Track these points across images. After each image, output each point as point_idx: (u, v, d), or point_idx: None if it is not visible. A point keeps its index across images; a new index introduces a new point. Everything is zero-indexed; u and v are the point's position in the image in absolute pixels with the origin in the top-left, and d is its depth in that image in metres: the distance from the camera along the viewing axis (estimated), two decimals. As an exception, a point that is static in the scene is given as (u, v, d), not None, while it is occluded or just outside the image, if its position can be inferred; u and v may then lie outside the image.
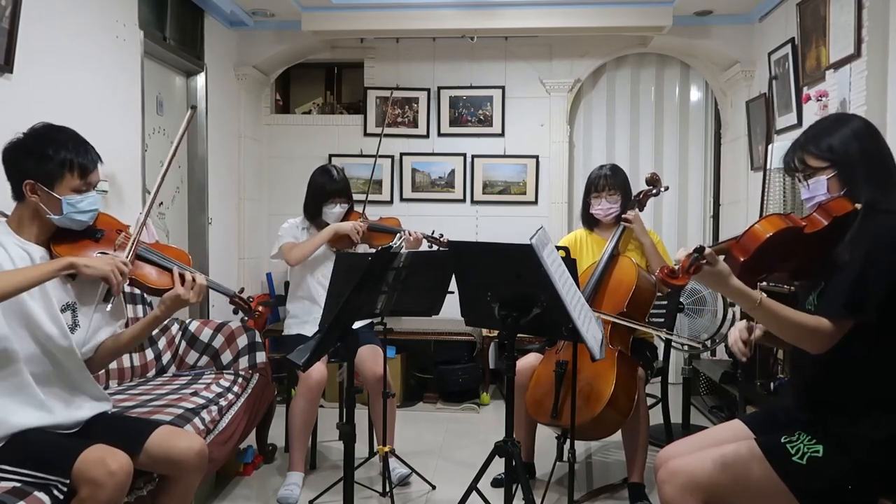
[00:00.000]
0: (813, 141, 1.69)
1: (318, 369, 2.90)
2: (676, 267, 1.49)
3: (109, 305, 1.91)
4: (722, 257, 1.54)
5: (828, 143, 1.66)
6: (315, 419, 3.07)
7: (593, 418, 2.56)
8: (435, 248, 3.06)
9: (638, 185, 3.17)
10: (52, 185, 1.82)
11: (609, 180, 3.00)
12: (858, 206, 1.60)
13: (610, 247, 2.94)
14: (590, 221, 3.12)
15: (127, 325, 2.11)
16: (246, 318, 2.20)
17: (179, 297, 1.94)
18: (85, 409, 1.95)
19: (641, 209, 3.06)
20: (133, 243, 1.93)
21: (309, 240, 3.16)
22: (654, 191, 3.09)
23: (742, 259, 1.56)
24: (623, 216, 2.98)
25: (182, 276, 1.96)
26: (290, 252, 3.15)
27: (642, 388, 2.78)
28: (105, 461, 1.70)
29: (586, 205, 3.10)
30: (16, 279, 1.69)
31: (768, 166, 3.43)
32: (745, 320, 1.78)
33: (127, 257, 1.89)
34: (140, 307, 2.98)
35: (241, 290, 2.16)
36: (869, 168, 1.62)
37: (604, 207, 3.01)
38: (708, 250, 1.47)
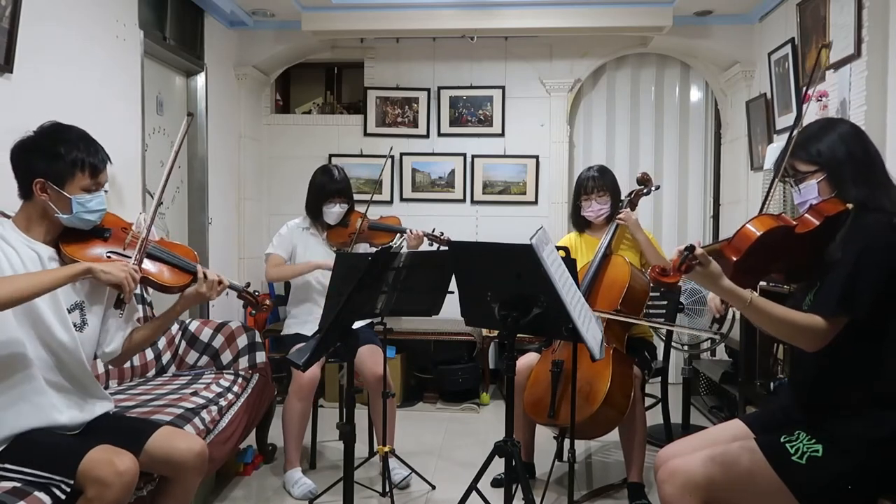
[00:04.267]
0: (801, 146, 1.72)
1: (310, 369, 2.90)
2: (668, 266, 1.52)
3: (121, 312, 1.89)
4: (718, 258, 1.55)
5: (816, 148, 1.70)
6: (309, 417, 3.08)
7: (590, 416, 2.56)
8: (436, 246, 3.07)
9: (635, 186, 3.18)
10: (63, 184, 1.80)
11: (597, 182, 3.03)
12: (850, 205, 1.63)
13: (603, 246, 2.95)
14: (581, 223, 3.15)
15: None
16: (254, 312, 2.25)
17: (203, 294, 1.99)
18: (89, 410, 1.95)
19: (633, 209, 3.07)
20: (142, 243, 1.92)
21: (292, 266, 3.22)
22: (646, 190, 3.12)
23: (734, 259, 1.57)
24: (617, 216, 3.00)
25: (205, 275, 2.01)
26: (272, 270, 3.24)
27: (638, 385, 2.78)
28: (113, 461, 1.70)
29: (576, 207, 3.12)
30: (32, 283, 1.67)
31: (770, 166, 3.44)
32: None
33: (137, 257, 1.89)
34: (140, 307, 2.97)
35: (248, 285, 2.21)
36: (857, 169, 1.65)
37: (594, 209, 3.04)
38: (699, 250, 1.49)
